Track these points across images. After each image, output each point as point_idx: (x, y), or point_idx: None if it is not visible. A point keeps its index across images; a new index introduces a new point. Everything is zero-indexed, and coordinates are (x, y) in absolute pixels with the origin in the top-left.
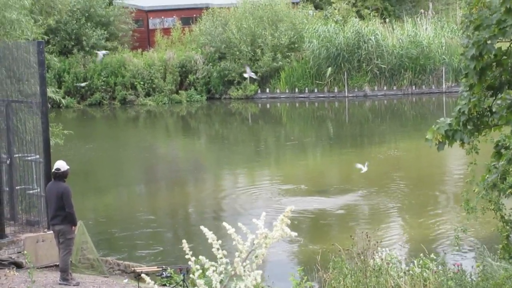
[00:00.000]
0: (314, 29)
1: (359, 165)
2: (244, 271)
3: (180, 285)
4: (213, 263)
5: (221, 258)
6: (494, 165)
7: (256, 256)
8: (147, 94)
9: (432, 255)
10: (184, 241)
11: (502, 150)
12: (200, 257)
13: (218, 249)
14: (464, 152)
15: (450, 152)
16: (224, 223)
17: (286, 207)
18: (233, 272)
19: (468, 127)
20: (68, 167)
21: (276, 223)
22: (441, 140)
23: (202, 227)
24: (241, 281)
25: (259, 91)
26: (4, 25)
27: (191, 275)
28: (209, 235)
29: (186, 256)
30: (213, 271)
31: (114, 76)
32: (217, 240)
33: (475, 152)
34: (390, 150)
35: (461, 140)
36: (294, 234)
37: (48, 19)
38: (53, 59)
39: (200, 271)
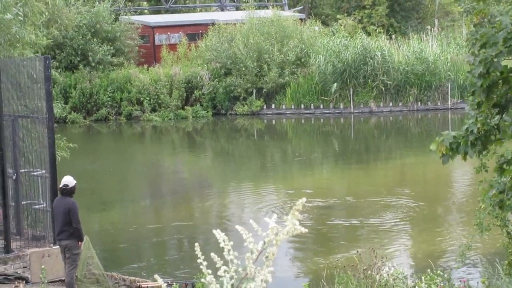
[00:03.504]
0: (326, 41)
1: None
2: (255, 272)
3: None
4: (224, 267)
5: (232, 260)
6: (496, 180)
7: (266, 257)
8: (153, 110)
9: (438, 271)
10: (196, 244)
11: (505, 165)
12: (212, 254)
13: (229, 250)
14: (470, 167)
15: (456, 168)
16: (237, 226)
17: (297, 201)
18: (243, 274)
19: (477, 146)
20: (76, 182)
21: (286, 217)
22: (445, 153)
23: (214, 231)
24: (251, 281)
25: (264, 107)
26: (9, 38)
27: (202, 280)
28: (220, 236)
29: (198, 260)
30: (224, 271)
31: (120, 92)
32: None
33: (485, 171)
34: (396, 166)
35: (465, 153)
36: (304, 230)
37: (52, 29)
38: (57, 75)
39: (212, 276)
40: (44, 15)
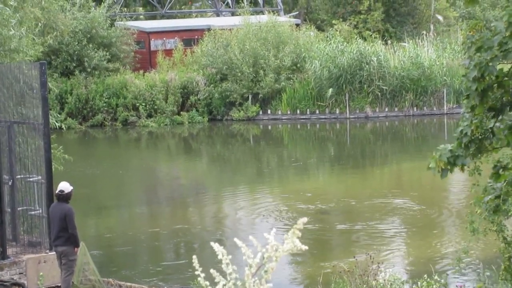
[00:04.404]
0: (322, 47)
1: None
2: (253, 286)
3: None
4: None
5: (230, 273)
6: (491, 185)
7: (265, 271)
8: (149, 115)
9: (435, 276)
10: (194, 256)
11: (501, 171)
12: (211, 270)
13: (227, 264)
14: (467, 172)
15: (452, 174)
16: (235, 239)
17: (298, 221)
18: None
19: (470, 149)
20: (72, 188)
21: (286, 235)
22: (443, 168)
23: (212, 243)
24: None
25: (260, 113)
26: (3, 45)
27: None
28: (219, 250)
29: (196, 272)
30: (223, 285)
31: (116, 97)
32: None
33: (478, 174)
34: (393, 171)
35: (463, 164)
36: (304, 247)
37: (47, 38)
38: (52, 87)
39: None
40: (40, 22)
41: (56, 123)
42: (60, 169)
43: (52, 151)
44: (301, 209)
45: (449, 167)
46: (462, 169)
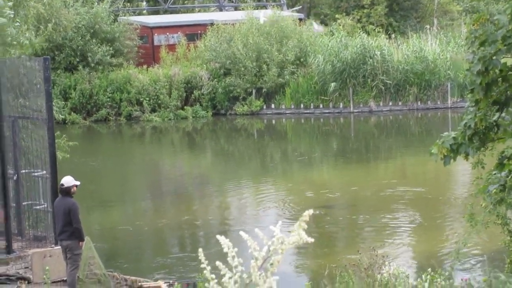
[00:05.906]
0: (322, 41)
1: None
2: (259, 279)
3: None
4: (228, 273)
5: (236, 266)
6: (495, 173)
7: (271, 264)
8: (153, 110)
9: (440, 270)
10: (200, 249)
11: (505, 161)
12: (217, 262)
13: (233, 257)
14: (471, 165)
15: (457, 167)
16: (241, 232)
17: (304, 213)
18: (248, 281)
19: (474, 141)
20: (77, 182)
21: (293, 227)
22: (446, 154)
23: (218, 236)
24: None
25: (264, 107)
26: (5, 41)
27: (206, 284)
28: (225, 242)
29: (202, 265)
30: (229, 277)
31: (119, 92)
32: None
33: (481, 167)
34: (397, 165)
35: (466, 153)
36: (310, 240)
37: (47, 30)
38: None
39: (216, 280)
40: (41, 16)
41: (60, 115)
42: (66, 157)
43: (56, 140)
44: (306, 202)
45: (451, 154)
46: (466, 158)
